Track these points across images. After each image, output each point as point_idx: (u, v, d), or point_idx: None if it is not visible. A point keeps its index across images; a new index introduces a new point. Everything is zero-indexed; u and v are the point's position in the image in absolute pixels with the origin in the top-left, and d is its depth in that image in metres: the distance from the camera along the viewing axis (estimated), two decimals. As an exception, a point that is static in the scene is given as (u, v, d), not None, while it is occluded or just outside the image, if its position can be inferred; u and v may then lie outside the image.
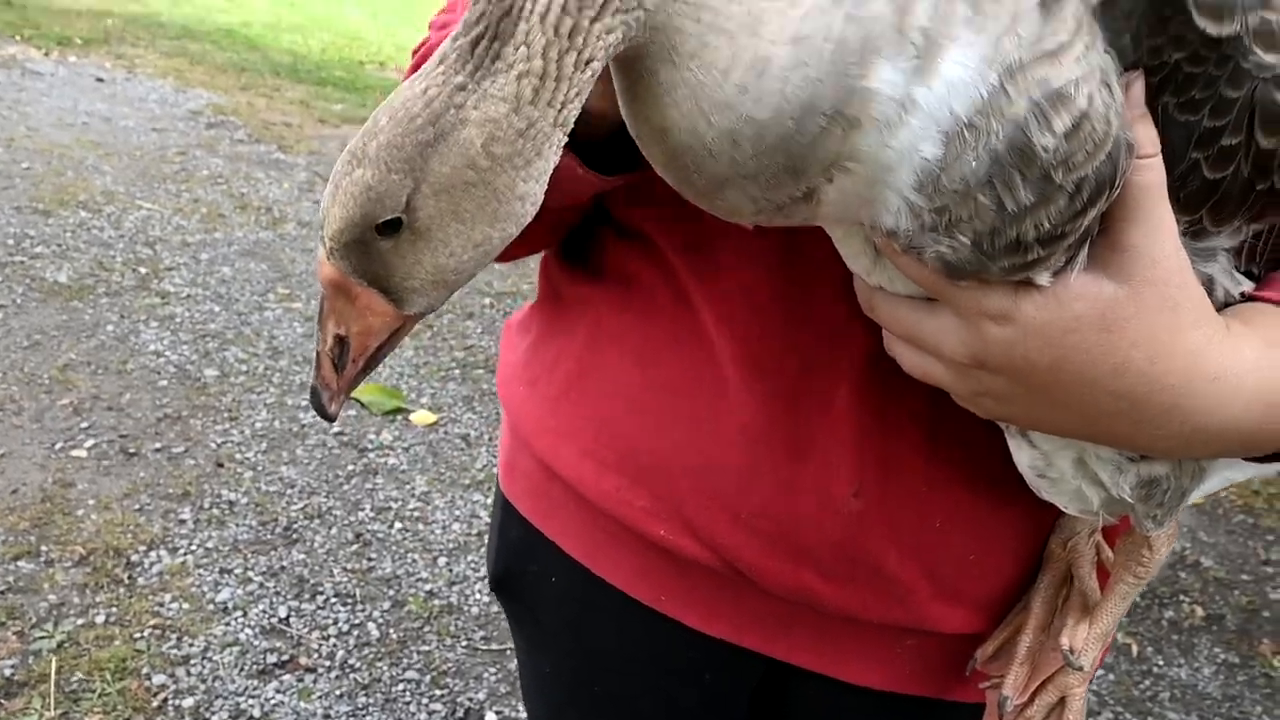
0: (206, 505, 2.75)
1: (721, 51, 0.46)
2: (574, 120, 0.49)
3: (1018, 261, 0.50)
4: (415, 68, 0.89)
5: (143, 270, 4.00)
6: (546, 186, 0.51)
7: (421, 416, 3.36)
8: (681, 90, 0.47)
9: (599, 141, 0.65)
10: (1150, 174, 0.49)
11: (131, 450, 2.89)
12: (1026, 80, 0.45)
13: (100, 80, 6.94)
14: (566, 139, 0.50)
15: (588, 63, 0.46)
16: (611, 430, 0.80)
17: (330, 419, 0.57)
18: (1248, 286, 0.57)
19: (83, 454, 2.83)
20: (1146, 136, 0.49)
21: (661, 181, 0.54)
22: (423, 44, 0.89)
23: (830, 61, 0.46)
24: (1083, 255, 0.51)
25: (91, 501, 2.66)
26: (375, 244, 0.49)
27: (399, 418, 3.35)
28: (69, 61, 7.35)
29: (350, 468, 3.03)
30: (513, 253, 0.88)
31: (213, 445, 2.99)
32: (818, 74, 0.46)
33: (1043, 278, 0.51)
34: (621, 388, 0.79)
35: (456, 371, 3.71)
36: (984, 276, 0.51)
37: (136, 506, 2.68)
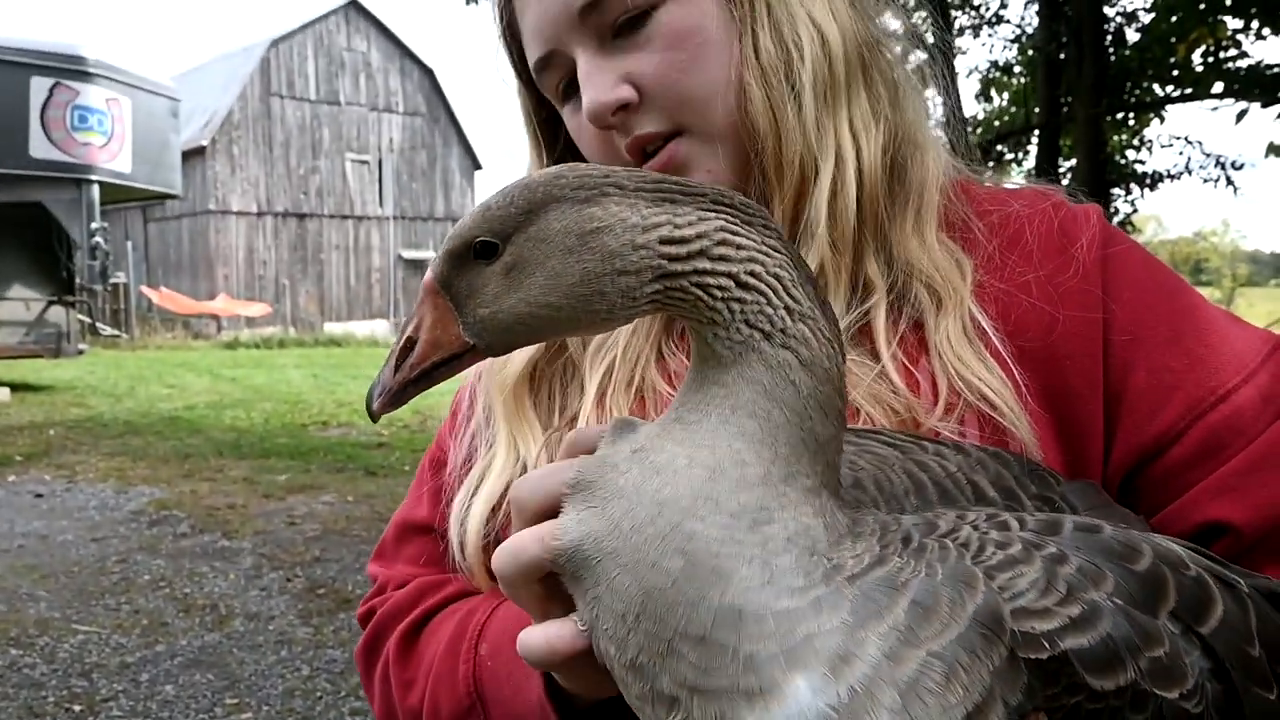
0: None
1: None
2: (655, 299, 0.54)
3: None
4: (368, 642, 0.91)
5: (77, 708, 3.72)
6: (624, 318, 0.55)
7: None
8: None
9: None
10: None
11: None
12: None
13: (39, 496, 6.92)
14: (651, 307, 0.54)
15: (712, 286, 0.53)
16: None
17: (373, 418, 0.57)
18: None
19: None
20: None
21: None
22: (372, 601, 0.93)
23: (774, 622, 0.48)
24: None
25: None
26: (470, 262, 0.54)
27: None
28: (8, 482, 7.36)
29: None
30: None
31: None
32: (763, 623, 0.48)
33: None
34: None
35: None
36: None
37: None
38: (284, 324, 30.03)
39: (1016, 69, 12.05)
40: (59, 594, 4.91)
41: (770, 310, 0.53)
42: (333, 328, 30.15)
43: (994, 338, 0.75)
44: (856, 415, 0.74)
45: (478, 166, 36.57)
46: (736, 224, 0.54)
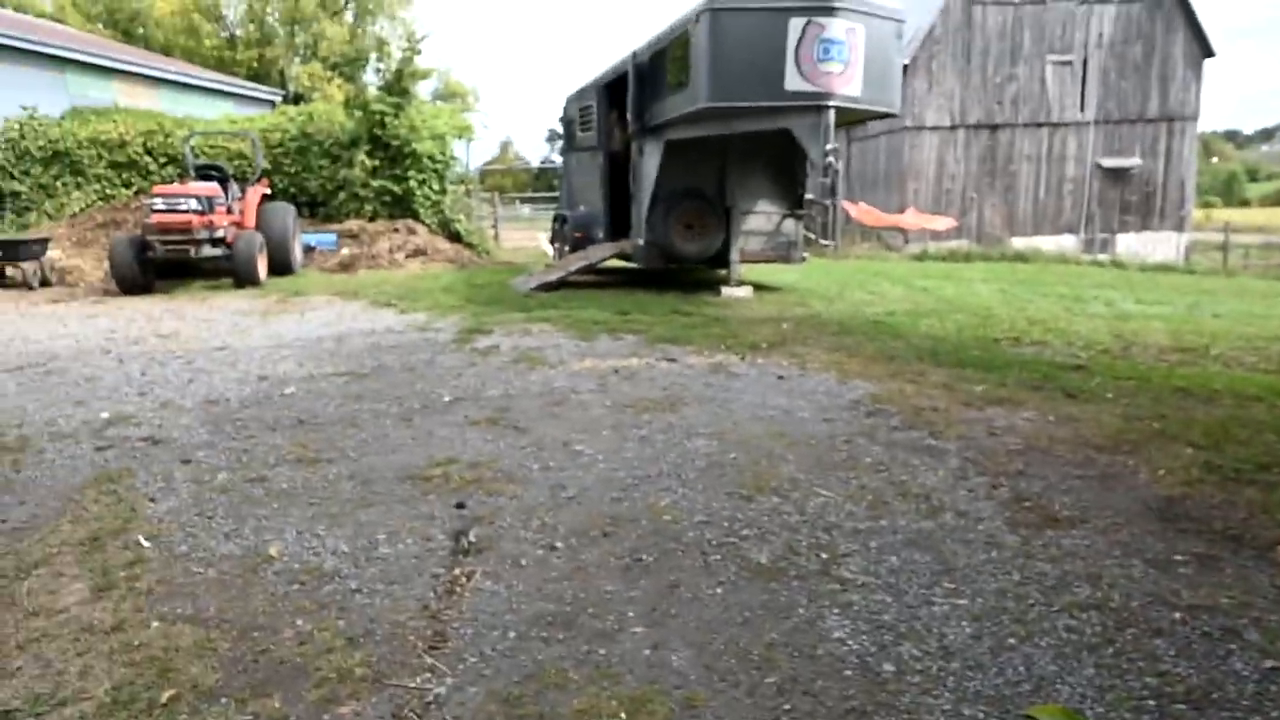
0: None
1: None
2: None
3: None
4: None
5: (824, 555, 4.46)
6: None
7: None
8: None
9: None
10: None
11: (825, 741, 3.10)
12: None
13: (780, 377, 8.33)
14: None
15: None
16: None
17: None
18: None
19: (785, 736, 3.13)
20: None
21: None
22: None
23: None
24: None
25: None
26: None
27: (1087, 752, 3.01)
28: (757, 363, 9.01)
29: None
30: None
31: (895, 749, 3.04)
32: None
33: None
34: None
35: (1151, 703, 3.24)
36: None
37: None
38: (969, 237, 30.19)
39: None
40: (801, 460, 5.89)
41: None
42: (1018, 242, 29.24)
43: None
44: None
45: (1208, 53, 30.83)
46: None
